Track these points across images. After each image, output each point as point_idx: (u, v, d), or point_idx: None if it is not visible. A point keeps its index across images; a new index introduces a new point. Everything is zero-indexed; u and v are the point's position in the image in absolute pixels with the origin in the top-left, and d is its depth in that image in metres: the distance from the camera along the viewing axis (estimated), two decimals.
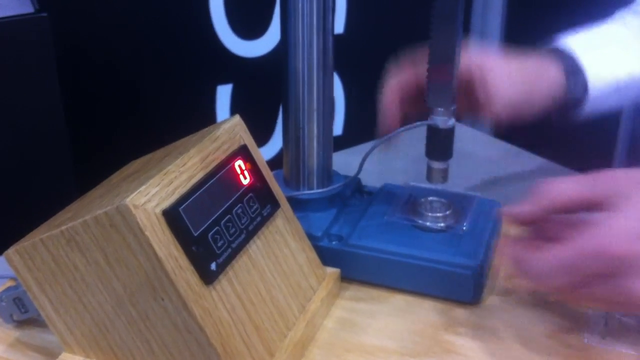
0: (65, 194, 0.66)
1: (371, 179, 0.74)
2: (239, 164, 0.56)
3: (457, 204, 0.69)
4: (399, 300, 0.64)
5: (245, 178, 0.56)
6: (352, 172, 0.71)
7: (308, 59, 0.63)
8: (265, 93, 0.94)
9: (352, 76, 1.02)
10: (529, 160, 0.93)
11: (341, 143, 1.00)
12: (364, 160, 0.68)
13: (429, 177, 0.66)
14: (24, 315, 0.58)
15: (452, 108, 0.64)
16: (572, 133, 1.12)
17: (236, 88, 0.90)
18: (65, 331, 0.53)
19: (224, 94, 0.89)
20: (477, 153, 0.94)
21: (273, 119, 0.95)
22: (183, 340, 0.49)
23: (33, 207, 0.65)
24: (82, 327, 0.52)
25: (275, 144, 0.95)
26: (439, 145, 0.65)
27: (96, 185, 0.61)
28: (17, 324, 0.60)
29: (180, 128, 0.68)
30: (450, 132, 0.64)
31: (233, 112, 0.90)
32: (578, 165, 0.90)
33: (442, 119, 0.64)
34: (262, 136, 0.90)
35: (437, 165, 0.66)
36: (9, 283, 0.62)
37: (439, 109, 0.64)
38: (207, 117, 0.92)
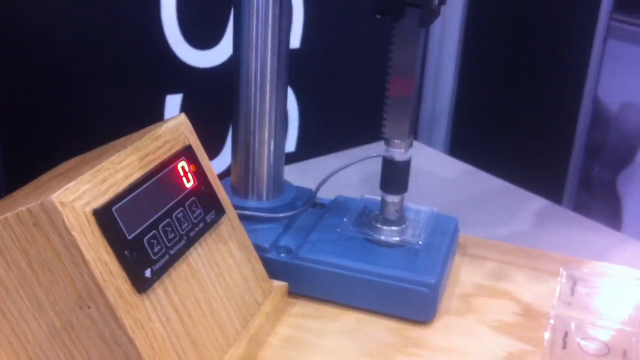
0: None
1: (323, 191, 0.70)
2: (182, 165, 0.52)
3: (413, 218, 0.66)
4: (350, 318, 0.60)
5: (188, 181, 0.52)
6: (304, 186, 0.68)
7: (262, 62, 0.60)
8: (216, 105, 0.91)
9: (307, 91, 0.99)
10: (484, 180, 0.91)
11: (294, 160, 0.97)
12: (319, 186, 0.65)
13: (383, 211, 0.63)
14: None
15: (409, 140, 0.61)
16: (526, 153, 1.11)
17: (186, 98, 0.86)
18: None
19: (173, 103, 0.85)
20: (433, 171, 0.92)
21: (224, 131, 0.91)
22: (111, 354, 0.44)
23: None
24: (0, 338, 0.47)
25: (225, 157, 0.92)
26: (395, 178, 0.61)
27: None
28: None
29: (124, 135, 0.64)
30: (406, 165, 0.61)
31: None
32: (531, 186, 0.89)
33: (398, 152, 0.61)
34: (211, 149, 0.86)
35: (391, 198, 0.63)
36: None
37: (396, 140, 0.61)
38: None
